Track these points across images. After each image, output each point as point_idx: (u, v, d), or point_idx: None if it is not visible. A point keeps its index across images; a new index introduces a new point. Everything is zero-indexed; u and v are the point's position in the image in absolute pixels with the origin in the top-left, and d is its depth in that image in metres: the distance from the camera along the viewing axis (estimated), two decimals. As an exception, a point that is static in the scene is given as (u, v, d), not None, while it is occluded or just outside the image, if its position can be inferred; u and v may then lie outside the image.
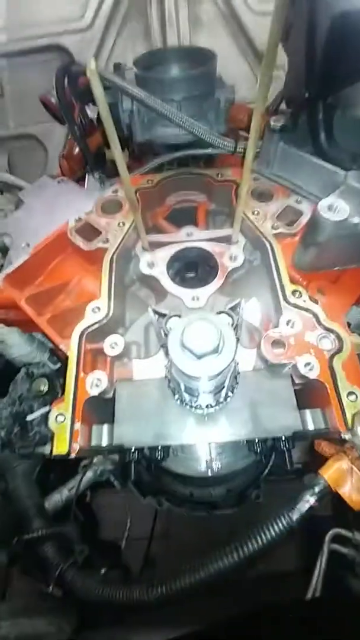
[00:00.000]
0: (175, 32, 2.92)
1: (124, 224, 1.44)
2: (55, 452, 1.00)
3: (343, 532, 1.35)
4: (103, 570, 1.03)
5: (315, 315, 1.19)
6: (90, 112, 2.11)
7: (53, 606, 0.99)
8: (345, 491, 0.83)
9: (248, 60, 3.17)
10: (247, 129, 1.91)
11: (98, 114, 1.93)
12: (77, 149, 2.03)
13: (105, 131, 0.86)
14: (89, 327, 1.20)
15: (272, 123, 1.45)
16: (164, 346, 1.09)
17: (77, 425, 1.04)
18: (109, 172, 1.86)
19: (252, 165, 1.05)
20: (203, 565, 0.84)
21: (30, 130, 3.43)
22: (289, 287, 1.24)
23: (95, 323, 1.20)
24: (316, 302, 1.24)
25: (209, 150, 1.62)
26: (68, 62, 1.83)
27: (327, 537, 1.35)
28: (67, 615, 1.01)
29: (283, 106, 1.78)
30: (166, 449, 1.19)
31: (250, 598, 1.12)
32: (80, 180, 1.84)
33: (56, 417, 1.04)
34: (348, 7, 1.03)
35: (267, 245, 1.34)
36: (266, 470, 1.71)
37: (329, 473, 0.88)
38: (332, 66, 1.21)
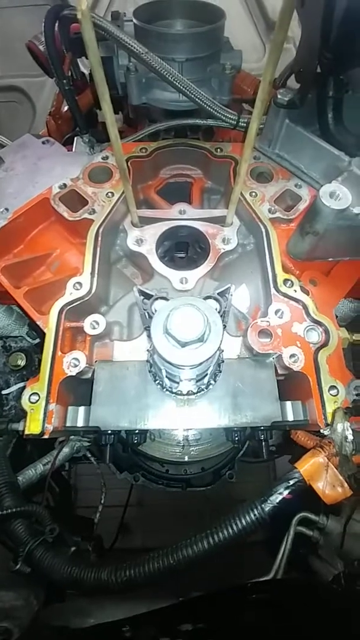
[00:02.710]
0: (182, -13, 2.68)
1: (112, 194, 1.34)
2: (27, 432, 0.96)
3: (310, 515, 1.39)
4: (72, 549, 1.03)
5: (305, 307, 1.16)
6: (83, 66, 1.93)
7: (21, 580, 0.99)
8: (319, 486, 0.84)
9: (258, 28, 2.94)
10: (251, 102, 1.81)
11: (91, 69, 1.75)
12: (65, 107, 1.86)
13: (96, 88, 0.76)
14: (69, 303, 1.13)
15: (278, 97, 1.35)
16: (148, 329, 1.05)
17: (52, 406, 1.00)
18: (100, 135, 1.72)
19: (254, 141, 0.98)
20: (172, 551, 0.84)
21: (18, 83, 3.16)
22: (281, 276, 1.20)
23: (76, 300, 1.13)
24: (307, 293, 1.21)
25: (209, 122, 1.51)
26: (60, 4, 1.63)
27: (294, 520, 1.38)
28: (35, 590, 1.02)
29: (290, 83, 1.67)
30: (143, 433, 1.17)
31: (216, 577, 1.15)
32: (67, 143, 1.68)
33: (29, 396, 0.99)
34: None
35: (263, 229, 1.28)
36: (241, 452, 1.76)
37: (305, 467, 0.88)
38: (348, 42, 1.13)
